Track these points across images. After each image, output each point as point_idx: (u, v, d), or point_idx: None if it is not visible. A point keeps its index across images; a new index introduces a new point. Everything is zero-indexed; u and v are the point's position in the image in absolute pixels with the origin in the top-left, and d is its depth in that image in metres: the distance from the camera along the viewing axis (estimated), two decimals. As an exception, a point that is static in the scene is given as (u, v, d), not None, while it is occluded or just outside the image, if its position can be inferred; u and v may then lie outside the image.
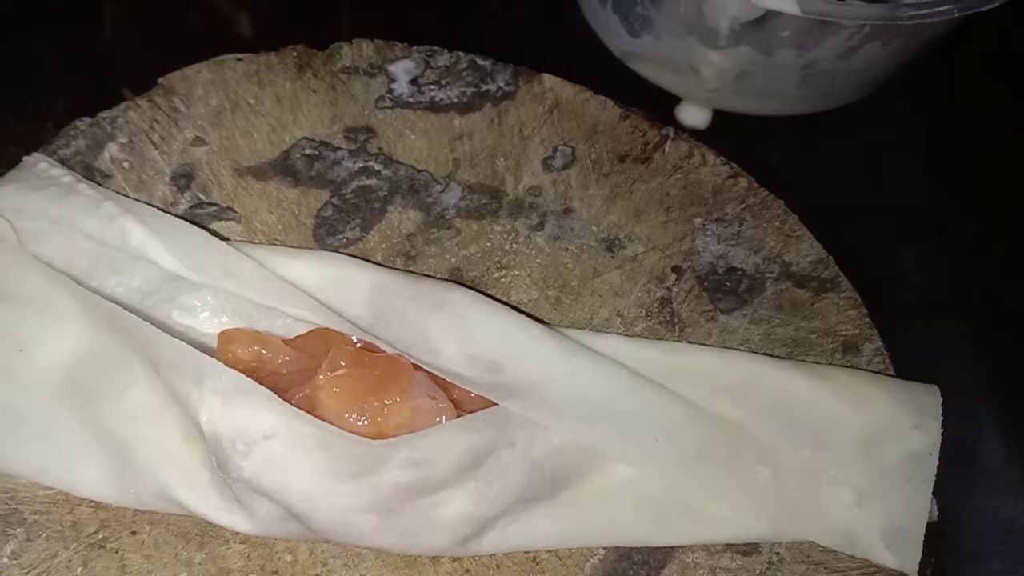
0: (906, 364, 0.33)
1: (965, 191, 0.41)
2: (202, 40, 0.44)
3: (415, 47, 0.37)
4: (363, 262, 0.31)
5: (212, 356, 0.28)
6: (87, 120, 0.35)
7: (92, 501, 0.29)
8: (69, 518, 0.30)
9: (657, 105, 0.41)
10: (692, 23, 0.37)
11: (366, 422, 0.27)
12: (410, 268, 0.33)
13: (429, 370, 0.29)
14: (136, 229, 0.30)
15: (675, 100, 0.42)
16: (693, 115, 0.42)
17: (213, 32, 0.44)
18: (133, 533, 0.30)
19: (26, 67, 0.43)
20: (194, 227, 0.31)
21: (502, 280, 0.33)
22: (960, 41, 0.37)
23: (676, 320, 0.33)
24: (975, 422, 0.35)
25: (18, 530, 0.29)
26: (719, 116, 0.42)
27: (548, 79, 0.36)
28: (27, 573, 0.28)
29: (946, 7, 0.34)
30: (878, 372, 0.32)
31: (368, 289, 0.29)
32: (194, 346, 0.28)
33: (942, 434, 0.30)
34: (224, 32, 0.44)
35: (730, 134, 0.41)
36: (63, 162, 0.34)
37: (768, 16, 0.35)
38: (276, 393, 0.28)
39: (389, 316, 0.29)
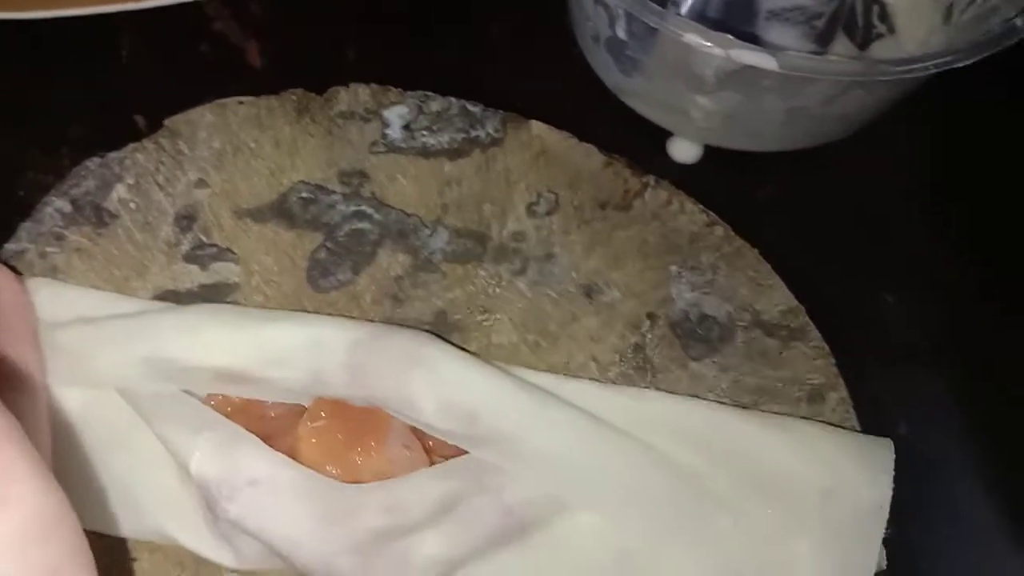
0: (876, 411, 0.34)
1: (956, 236, 0.42)
2: (214, 68, 0.45)
3: (408, 92, 0.38)
4: (339, 320, 0.33)
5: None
6: (96, 160, 0.37)
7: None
8: (75, 546, 0.32)
9: (651, 136, 0.42)
10: (679, 69, 0.39)
11: (344, 471, 0.29)
12: (397, 311, 0.35)
13: (405, 422, 0.30)
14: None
15: (668, 133, 0.44)
16: (683, 150, 0.43)
17: (224, 61, 0.46)
18: (133, 560, 0.32)
19: (43, 94, 0.45)
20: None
21: (484, 323, 0.35)
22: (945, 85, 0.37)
23: (649, 366, 0.34)
24: (941, 468, 0.36)
25: (28, 556, 0.32)
26: (710, 149, 0.43)
27: (536, 126, 0.37)
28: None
29: (921, 64, 0.35)
30: (840, 421, 0.34)
31: (345, 349, 0.31)
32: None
33: (893, 488, 0.31)
34: (235, 60, 0.46)
35: (719, 167, 0.42)
36: (74, 202, 0.36)
37: (751, 66, 0.36)
38: (262, 437, 0.30)
39: (367, 374, 0.31)
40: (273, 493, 0.29)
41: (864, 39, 0.45)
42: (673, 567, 0.31)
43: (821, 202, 0.42)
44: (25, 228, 0.36)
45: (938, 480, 0.36)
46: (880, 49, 0.45)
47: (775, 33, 0.46)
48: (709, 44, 0.34)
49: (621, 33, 0.39)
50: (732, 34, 0.34)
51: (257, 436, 0.30)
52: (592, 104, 0.43)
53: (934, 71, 0.35)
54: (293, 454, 0.30)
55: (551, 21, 0.44)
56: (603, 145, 0.38)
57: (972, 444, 0.37)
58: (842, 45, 0.45)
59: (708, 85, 0.39)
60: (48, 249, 0.36)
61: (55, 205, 0.36)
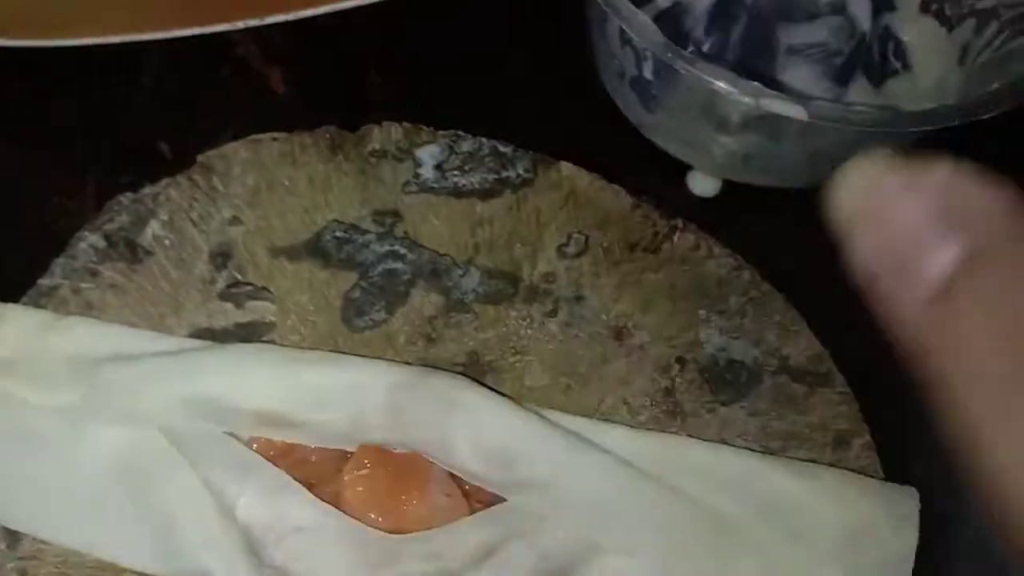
0: (896, 455, 0.35)
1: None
2: (237, 95, 0.45)
3: (440, 132, 0.39)
4: (378, 363, 0.33)
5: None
6: (130, 196, 0.38)
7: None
8: (116, 584, 0.32)
9: (671, 169, 0.42)
10: (704, 110, 0.39)
11: (387, 519, 0.30)
12: (430, 351, 0.36)
13: (444, 467, 0.31)
14: None
15: (687, 166, 0.44)
16: (702, 184, 0.44)
17: (248, 87, 0.46)
18: (173, 600, 0.32)
19: (67, 119, 0.45)
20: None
21: (516, 365, 0.36)
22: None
23: (679, 410, 0.35)
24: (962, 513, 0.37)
25: (69, 595, 0.32)
26: (729, 185, 0.44)
27: (565, 167, 0.38)
28: (78, 638, 0.31)
29: (947, 116, 0.35)
30: (865, 467, 0.34)
31: (384, 393, 0.32)
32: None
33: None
34: (259, 87, 0.46)
35: (740, 201, 0.43)
36: (108, 237, 0.37)
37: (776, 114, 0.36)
38: (304, 481, 0.31)
39: (406, 418, 0.31)
40: (319, 541, 0.30)
41: (881, 76, 0.46)
42: (702, 608, 0.32)
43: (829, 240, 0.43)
44: (59, 264, 0.36)
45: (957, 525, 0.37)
46: (896, 86, 0.46)
47: (793, 70, 0.47)
48: (738, 92, 0.35)
49: (647, 73, 0.39)
50: (751, 71, 0.35)
51: (299, 480, 0.31)
52: (611, 137, 0.44)
53: (958, 123, 0.36)
54: (337, 501, 0.30)
55: (569, 51, 0.45)
56: (622, 178, 0.39)
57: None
58: (861, 84, 0.46)
59: (732, 127, 0.39)
60: (82, 285, 0.36)
61: (89, 240, 0.37)
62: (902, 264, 0.16)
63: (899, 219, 0.16)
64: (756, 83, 0.35)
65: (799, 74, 0.47)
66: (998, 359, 0.15)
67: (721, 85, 0.35)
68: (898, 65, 0.46)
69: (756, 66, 0.46)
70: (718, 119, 0.39)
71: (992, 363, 0.15)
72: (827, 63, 0.47)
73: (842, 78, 0.46)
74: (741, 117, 0.39)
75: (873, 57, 0.46)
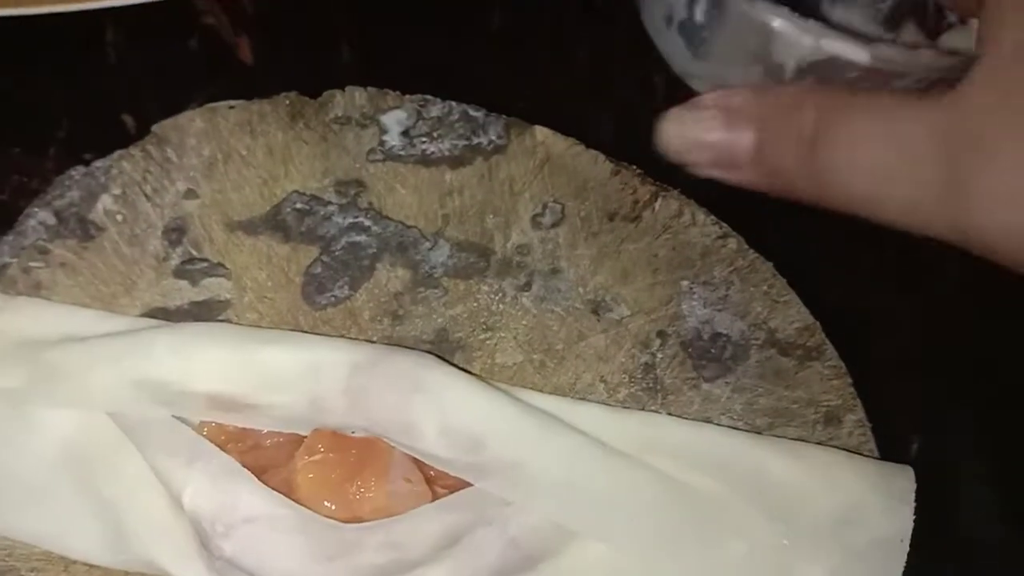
0: (891, 425, 0.33)
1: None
2: (204, 65, 0.44)
3: (408, 96, 0.36)
4: (338, 341, 0.32)
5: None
6: (81, 169, 0.36)
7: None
8: (64, 576, 0.31)
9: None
10: (758, 56, 0.37)
11: (342, 507, 0.28)
12: (397, 328, 0.34)
13: (406, 452, 0.29)
14: None
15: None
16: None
17: (215, 57, 0.44)
18: (125, 593, 0.31)
19: (28, 93, 0.43)
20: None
21: (487, 342, 0.34)
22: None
23: (659, 387, 0.33)
24: (953, 484, 0.35)
25: (15, 588, 0.31)
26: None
27: (540, 132, 0.36)
28: (23, 632, 0.30)
29: None
30: (858, 445, 0.32)
31: (344, 373, 0.30)
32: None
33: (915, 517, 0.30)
34: (226, 57, 0.44)
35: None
36: (58, 214, 0.35)
37: (836, 57, 0.34)
38: (256, 468, 0.29)
39: (367, 400, 0.29)
40: (270, 531, 0.28)
41: (935, 28, 0.43)
42: (685, 597, 0.30)
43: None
44: (7, 242, 0.34)
45: (956, 499, 0.35)
46: (951, 40, 0.43)
47: (839, 15, 0.44)
48: (799, 31, 0.32)
49: (699, 16, 0.37)
50: (797, 16, 0.32)
51: (252, 467, 0.29)
52: (590, 102, 0.41)
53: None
54: (289, 488, 0.28)
55: (549, 15, 0.42)
56: (606, 149, 0.37)
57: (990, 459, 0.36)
58: (910, 33, 0.43)
59: (787, 73, 0.37)
60: (31, 264, 0.34)
61: (38, 217, 0.35)
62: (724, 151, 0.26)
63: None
64: (818, 22, 0.33)
65: (845, 20, 0.44)
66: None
67: (782, 23, 0.32)
68: (954, 18, 0.43)
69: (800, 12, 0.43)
70: (771, 66, 0.37)
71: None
72: (874, 8, 0.44)
73: (891, 24, 0.43)
74: (796, 63, 0.36)
75: (927, 6, 0.43)
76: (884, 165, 0.23)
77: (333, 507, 0.28)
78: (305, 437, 0.30)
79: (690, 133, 0.27)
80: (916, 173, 0.23)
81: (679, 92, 0.39)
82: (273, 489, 0.28)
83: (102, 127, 0.41)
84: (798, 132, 0.25)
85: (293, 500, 0.28)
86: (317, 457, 0.28)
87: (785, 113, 0.26)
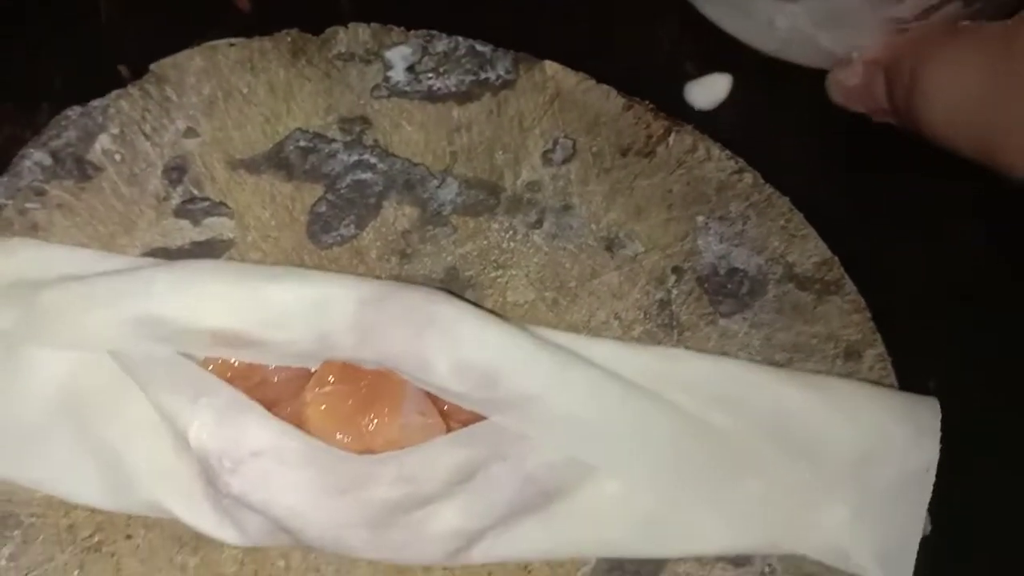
0: (911, 364, 0.32)
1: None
2: (200, 13, 0.42)
3: (412, 31, 0.35)
4: (346, 277, 0.31)
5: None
6: (77, 109, 0.35)
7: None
8: (65, 521, 0.30)
9: (668, 81, 0.39)
10: None
11: (354, 439, 0.27)
12: (405, 267, 0.33)
13: (419, 385, 0.28)
14: None
15: (686, 77, 0.41)
16: (702, 95, 0.40)
17: (212, 5, 0.43)
18: (128, 537, 0.30)
19: (21, 46, 0.42)
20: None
21: (499, 280, 0.33)
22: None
23: (675, 323, 0.32)
24: (984, 423, 0.34)
25: (15, 532, 0.30)
26: (729, 95, 0.40)
27: (549, 66, 0.35)
28: (25, 576, 0.29)
29: None
30: (878, 379, 0.32)
31: (353, 308, 0.29)
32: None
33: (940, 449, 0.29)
34: (224, 4, 0.43)
35: (741, 111, 0.40)
36: (54, 154, 0.34)
37: None
38: (265, 403, 0.28)
39: (376, 335, 0.28)
40: (278, 464, 0.27)
41: None
42: (702, 534, 0.30)
43: (840, 152, 0.40)
44: (2, 183, 0.33)
45: (979, 436, 0.34)
46: None
47: None
48: None
49: None
50: None
51: (260, 402, 0.28)
52: (601, 38, 0.40)
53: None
54: (299, 421, 0.27)
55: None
56: (617, 84, 0.36)
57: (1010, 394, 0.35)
58: None
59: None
60: (28, 205, 0.33)
61: (34, 158, 0.34)
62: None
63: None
64: None
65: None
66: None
67: None
68: None
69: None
70: None
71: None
72: None
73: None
74: None
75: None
76: (953, 105, 0.27)
77: (346, 439, 0.27)
78: (314, 372, 0.29)
79: (846, 81, 0.32)
80: (976, 111, 0.27)
81: (692, 23, 0.39)
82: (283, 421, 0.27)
83: (97, 78, 0.40)
84: (902, 78, 0.29)
85: (304, 432, 0.27)
86: (328, 388, 0.27)
87: (896, 63, 0.30)
